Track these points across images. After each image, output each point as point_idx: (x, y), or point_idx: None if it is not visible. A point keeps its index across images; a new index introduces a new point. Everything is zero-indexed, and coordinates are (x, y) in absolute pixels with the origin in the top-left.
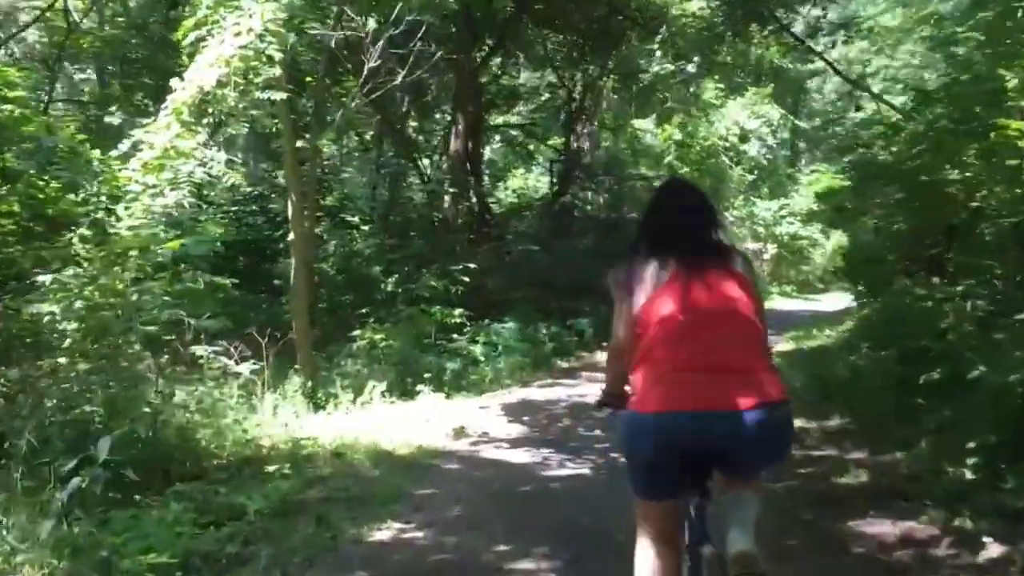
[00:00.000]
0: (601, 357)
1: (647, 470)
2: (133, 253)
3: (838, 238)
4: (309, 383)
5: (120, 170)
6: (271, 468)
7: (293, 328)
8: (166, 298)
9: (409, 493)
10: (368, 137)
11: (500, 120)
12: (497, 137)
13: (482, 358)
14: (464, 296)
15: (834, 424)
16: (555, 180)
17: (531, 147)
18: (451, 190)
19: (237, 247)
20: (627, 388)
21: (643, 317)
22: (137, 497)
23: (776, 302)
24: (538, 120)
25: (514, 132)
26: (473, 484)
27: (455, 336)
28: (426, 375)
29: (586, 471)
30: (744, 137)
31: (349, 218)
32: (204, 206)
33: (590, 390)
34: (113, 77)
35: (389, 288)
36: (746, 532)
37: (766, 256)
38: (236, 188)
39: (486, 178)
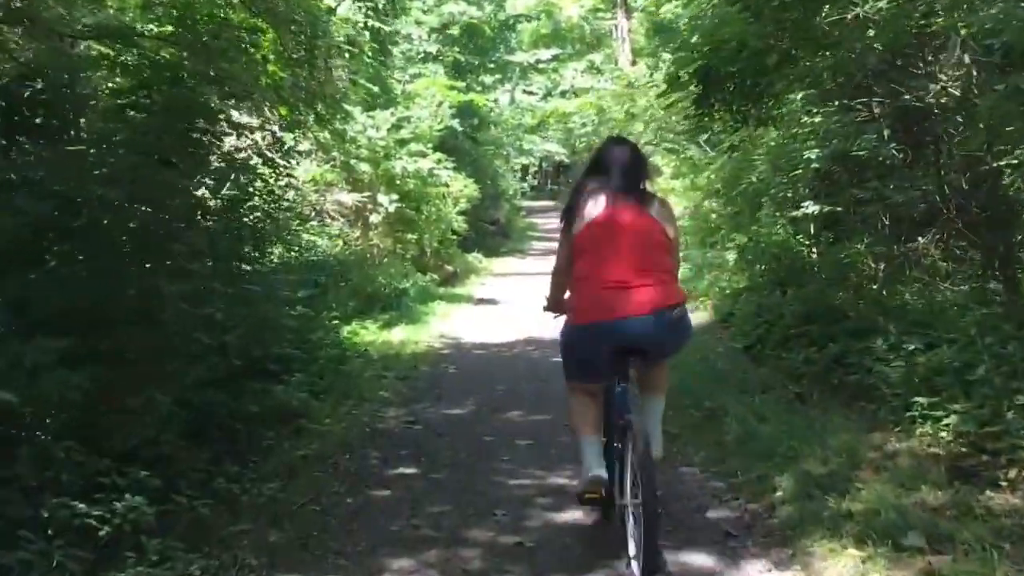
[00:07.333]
0: None
1: (579, 366)
2: None
3: (463, 182)
4: None
5: None
6: None
7: None
8: None
9: None
10: None
11: None
12: None
13: None
14: None
15: None
16: None
17: None
18: None
19: None
20: (566, 298)
21: (577, 243)
22: None
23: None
24: None
25: None
26: None
27: None
28: None
29: None
30: None
31: None
32: None
33: None
34: None
35: None
36: (655, 436)
37: (374, 218)
38: None
39: None
